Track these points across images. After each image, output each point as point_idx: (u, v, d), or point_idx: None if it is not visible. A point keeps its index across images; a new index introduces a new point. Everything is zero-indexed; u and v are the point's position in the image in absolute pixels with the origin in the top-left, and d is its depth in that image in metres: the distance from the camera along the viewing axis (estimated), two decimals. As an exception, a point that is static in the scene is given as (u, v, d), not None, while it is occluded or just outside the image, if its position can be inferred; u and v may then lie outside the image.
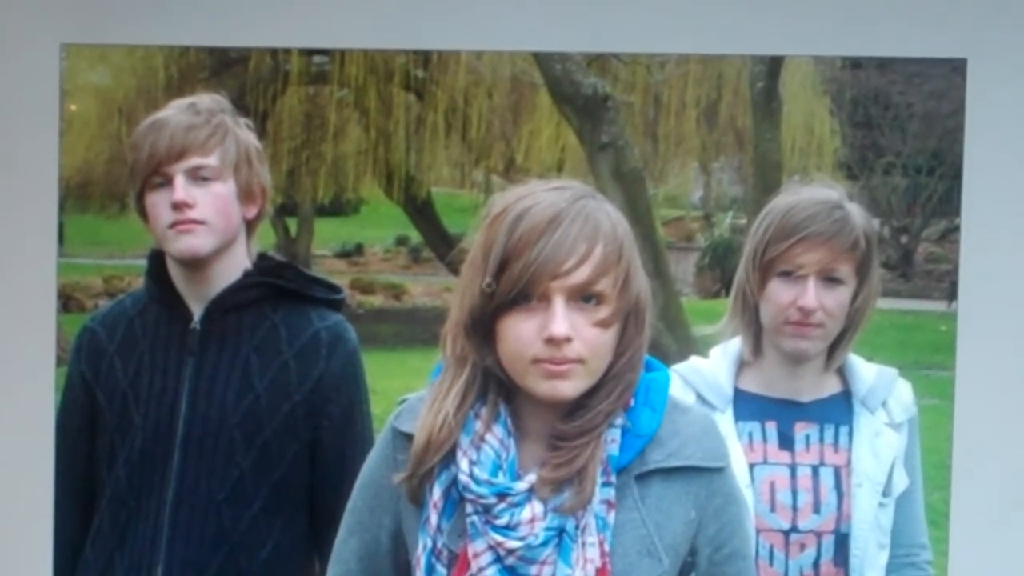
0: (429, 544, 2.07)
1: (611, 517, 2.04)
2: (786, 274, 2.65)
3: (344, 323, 2.82)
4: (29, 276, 2.86)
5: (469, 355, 2.08)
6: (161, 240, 2.74)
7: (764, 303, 2.68)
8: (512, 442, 2.06)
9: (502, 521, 2.01)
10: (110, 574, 2.74)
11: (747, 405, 2.72)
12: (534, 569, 2.01)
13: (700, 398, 2.71)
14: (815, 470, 2.68)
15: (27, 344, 2.86)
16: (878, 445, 2.70)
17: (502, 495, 2.02)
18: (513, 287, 2.00)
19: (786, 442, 2.70)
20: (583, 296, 2.00)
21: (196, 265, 2.74)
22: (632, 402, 2.09)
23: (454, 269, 2.18)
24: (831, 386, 2.75)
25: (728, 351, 2.78)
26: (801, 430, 2.71)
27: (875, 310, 2.74)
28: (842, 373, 2.75)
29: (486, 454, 2.04)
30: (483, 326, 2.05)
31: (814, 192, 2.71)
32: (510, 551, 2.01)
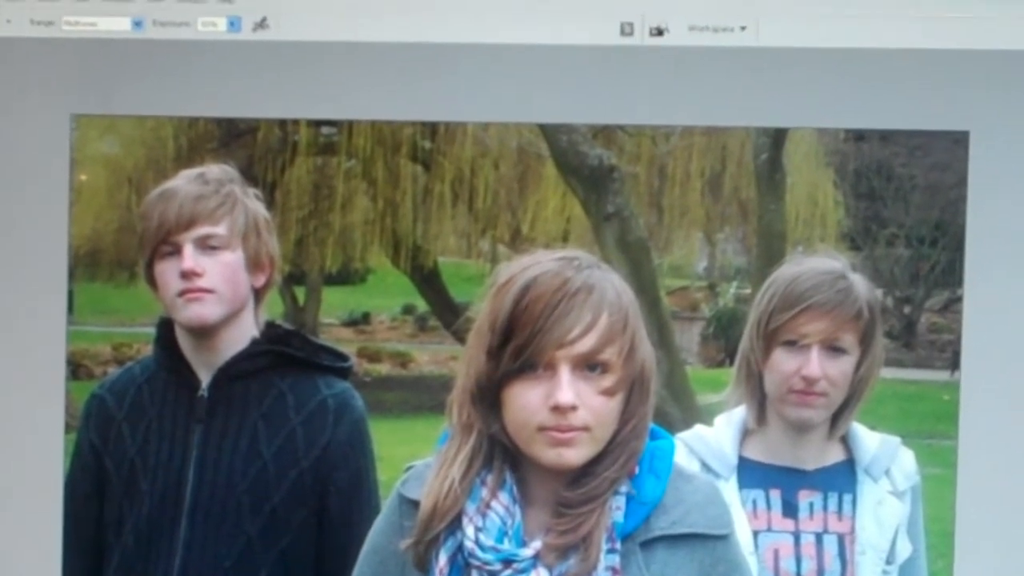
0: (435, 611, 2.08)
1: (616, 584, 2.05)
2: (790, 343, 2.66)
3: (351, 391, 2.83)
4: (39, 343, 2.88)
5: (475, 423, 2.09)
6: (170, 308, 2.76)
7: (768, 372, 2.69)
8: (518, 509, 2.07)
9: (508, 588, 2.03)
10: (118, 641, 2.75)
11: (751, 473, 2.73)
12: (539, 635, 2.02)
13: (704, 466, 2.71)
14: (819, 538, 2.69)
15: (37, 411, 2.87)
16: (881, 513, 2.70)
17: (508, 562, 2.02)
18: (519, 355, 2.01)
19: (790, 510, 2.70)
20: (588, 365, 2.02)
21: (204, 333, 2.75)
22: (637, 470, 2.10)
23: (460, 338, 2.19)
24: (835, 454, 2.75)
25: (732, 419, 2.78)
26: (805, 498, 2.71)
27: (878, 379, 2.74)
28: (845, 442, 2.75)
29: (492, 521, 2.05)
30: (489, 394, 2.06)
31: (817, 263, 2.73)
32: (516, 617, 2.02)
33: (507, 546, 2.04)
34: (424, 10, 2.81)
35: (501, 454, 2.09)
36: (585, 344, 2.01)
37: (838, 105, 2.75)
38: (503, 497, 2.07)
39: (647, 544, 2.08)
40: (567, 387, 2.00)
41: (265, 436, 2.74)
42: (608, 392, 2.03)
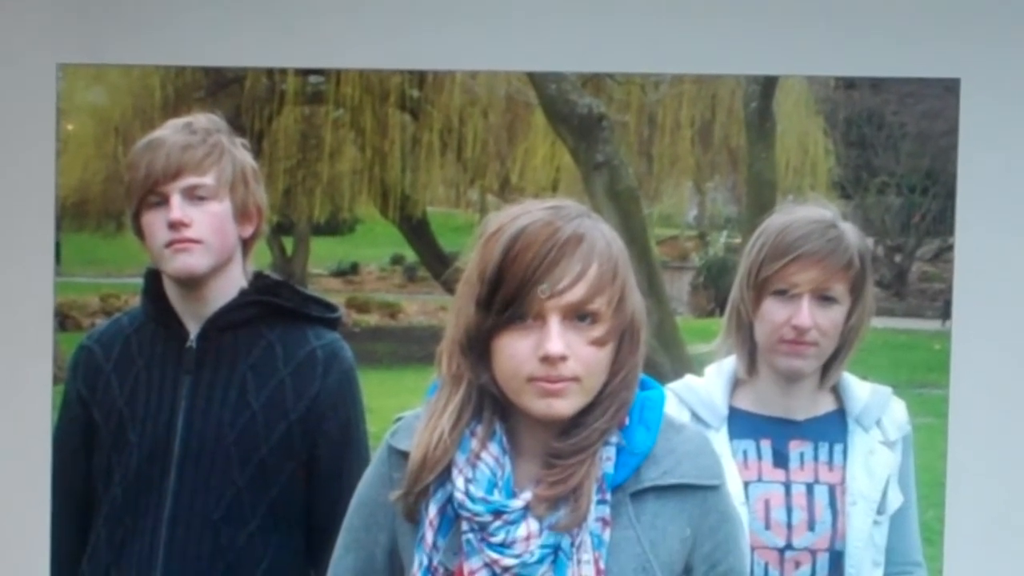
0: (425, 562, 2.07)
1: (606, 535, 2.04)
2: (780, 293, 2.65)
3: (340, 341, 2.82)
4: (26, 295, 2.86)
5: (465, 373, 2.08)
6: (157, 259, 2.74)
7: (759, 322, 2.69)
8: (507, 460, 2.07)
9: (498, 539, 2.02)
10: (107, 591, 2.75)
11: (742, 423, 2.73)
12: (530, 586, 2.02)
13: (695, 416, 2.71)
14: (809, 488, 2.69)
15: (24, 362, 2.86)
16: (872, 463, 2.70)
17: (498, 513, 2.02)
18: (508, 306, 2.00)
19: (780, 460, 2.70)
20: (578, 315, 2.01)
21: (192, 284, 2.74)
22: (627, 420, 2.09)
23: (449, 288, 2.18)
24: (825, 404, 2.75)
25: (723, 369, 2.78)
26: (795, 448, 2.71)
27: (869, 329, 2.74)
28: (836, 391, 2.76)
29: (482, 472, 2.05)
30: (479, 344, 2.05)
31: (808, 211, 2.72)
32: (506, 569, 2.01)
33: (497, 497, 2.04)
34: (412, -43, 2.79)
35: (491, 405, 2.08)
36: (575, 294, 2.00)
37: (828, 52, 2.74)
38: (493, 448, 2.06)
39: (637, 495, 2.08)
40: (557, 337, 1.99)
41: (254, 387, 2.74)
42: (598, 342, 2.02)
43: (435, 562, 2.07)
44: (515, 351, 2.02)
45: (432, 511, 2.07)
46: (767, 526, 2.67)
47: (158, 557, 2.70)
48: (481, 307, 2.04)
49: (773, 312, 2.66)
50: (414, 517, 2.10)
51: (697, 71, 2.95)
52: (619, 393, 2.07)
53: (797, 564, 2.67)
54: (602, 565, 2.03)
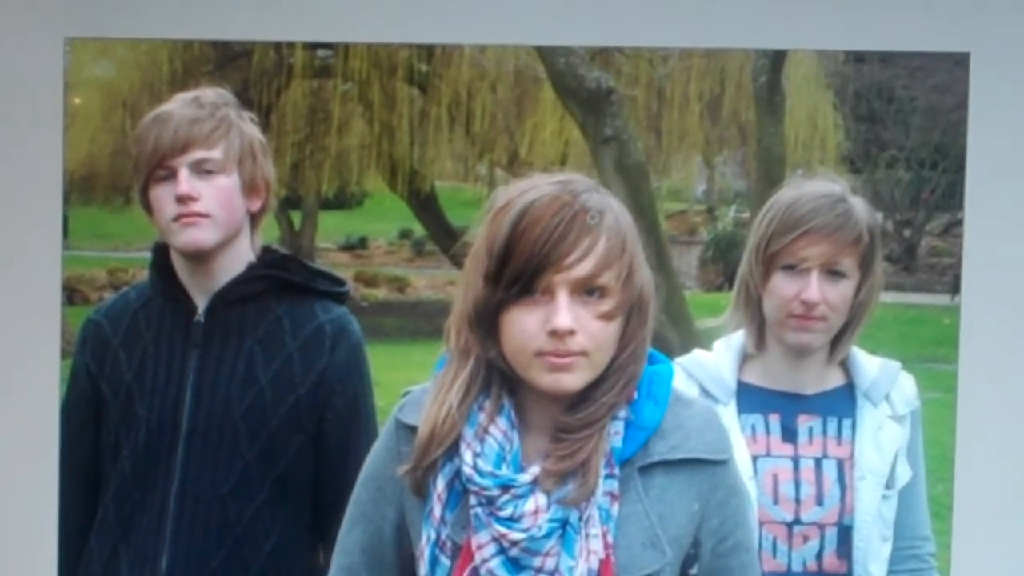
0: (433, 536, 2.07)
1: (614, 509, 2.04)
2: (789, 267, 2.65)
3: (348, 316, 2.82)
4: (34, 269, 2.87)
5: (473, 348, 2.08)
6: (165, 233, 2.74)
7: (767, 296, 2.69)
8: (516, 434, 2.07)
9: (506, 513, 2.02)
10: (114, 565, 2.75)
11: (750, 398, 2.73)
12: (538, 561, 2.01)
13: (703, 391, 2.71)
14: (818, 462, 2.69)
15: (32, 337, 2.87)
16: (881, 438, 2.70)
17: (506, 487, 2.02)
18: (516, 280, 2.00)
19: (789, 435, 2.70)
20: (586, 289, 2.01)
21: (200, 258, 2.74)
22: (635, 395, 2.09)
23: (458, 262, 2.18)
24: (834, 379, 2.75)
25: (731, 344, 2.78)
26: (804, 423, 2.71)
27: (878, 303, 2.74)
28: (845, 366, 2.75)
29: (490, 446, 2.05)
30: (487, 319, 2.05)
31: (817, 186, 2.71)
32: (514, 543, 2.01)
33: (505, 471, 2.04)
34: (420, -70, 2.78)
35: (499, 379, 2.08)
36: (583, 268, 1.99)
37: (838, 26, 2.73)
38: (501, 422, 2.06)
39: (646, 469, 2.07)
40: (565, 311, 1.99)
41: (262, 361, 2.74)
42: (606, 316, 2.02)
43: (443, 536, 2.07)
44: (523, 325, 2.01)
45: (440, 485, 2.07)
46: (775, 500, 2.67)
47: (166, 531, 2.71)
48: (489, 281, 2.03)
49: (782, 287, 2.66)
50: (422, 491, 2.10)
51: (706, 45, 2.94)
52: (627, 367, 2.07)
53: (805, 538, 2.67)
54: (610, 539, 2.03)
